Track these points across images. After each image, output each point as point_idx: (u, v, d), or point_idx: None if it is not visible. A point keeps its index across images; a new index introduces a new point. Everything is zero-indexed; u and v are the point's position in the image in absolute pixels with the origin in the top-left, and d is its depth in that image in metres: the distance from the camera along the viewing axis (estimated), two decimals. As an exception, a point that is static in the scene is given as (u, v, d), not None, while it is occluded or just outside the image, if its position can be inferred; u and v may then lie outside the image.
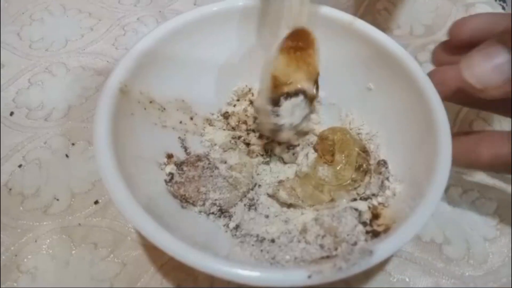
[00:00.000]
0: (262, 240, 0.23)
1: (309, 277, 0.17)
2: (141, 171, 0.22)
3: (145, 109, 0.25)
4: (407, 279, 0.24)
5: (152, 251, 0.24)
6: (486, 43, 0.21)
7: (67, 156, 0.28)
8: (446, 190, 0.28)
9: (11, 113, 0.30)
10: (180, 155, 0.26)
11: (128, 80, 0.23)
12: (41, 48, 0.35)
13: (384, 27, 0.38)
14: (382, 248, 0.18)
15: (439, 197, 0.20)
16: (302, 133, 0.27)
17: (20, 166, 0.28)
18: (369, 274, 0.24)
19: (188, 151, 0.27)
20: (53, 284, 0.23)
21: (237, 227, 0.24)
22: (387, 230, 0.22)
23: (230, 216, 0.25)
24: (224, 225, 0.24)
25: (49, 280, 0.23)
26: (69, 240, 0.25)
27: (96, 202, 0.26)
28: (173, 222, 0.21)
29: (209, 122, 0.29)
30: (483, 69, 0.21)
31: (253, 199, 0.26)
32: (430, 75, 0.25)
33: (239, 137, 0.28)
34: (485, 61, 0.21)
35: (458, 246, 0.25)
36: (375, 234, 0.22)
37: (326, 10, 0.27)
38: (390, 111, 0.26)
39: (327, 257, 0.21)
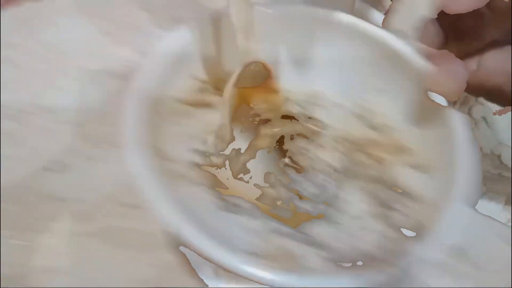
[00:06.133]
0: None
1: None
2: (174, 174, 0.22)
3: (172, 112, 0.25)
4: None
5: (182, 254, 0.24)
6: None
7: (88, 159, 0.28)
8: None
9: (29, 116, 0.30)
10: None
11: (154, 85, 0.24)
12: (58, 51, 0.35)
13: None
14: None
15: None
16: None
17: (42, 169, 0.27)
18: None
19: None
20: (70, 284, 0.23)
21: None
22: None
23: None
24: None
25: (67, 281, 0.23)
26: (92, 241, 0.24)
27: (121, 205, 0.26)
28: (212, 224, 0.21)
29: None
30: None
31: None
32: None
33: None
34: None
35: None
36: None
37: (323, 12, 0.27)
38: (398, 111, 0.26)
39: None
